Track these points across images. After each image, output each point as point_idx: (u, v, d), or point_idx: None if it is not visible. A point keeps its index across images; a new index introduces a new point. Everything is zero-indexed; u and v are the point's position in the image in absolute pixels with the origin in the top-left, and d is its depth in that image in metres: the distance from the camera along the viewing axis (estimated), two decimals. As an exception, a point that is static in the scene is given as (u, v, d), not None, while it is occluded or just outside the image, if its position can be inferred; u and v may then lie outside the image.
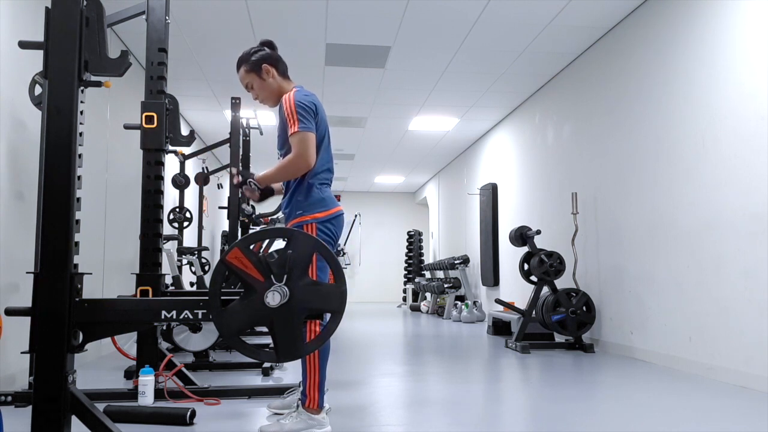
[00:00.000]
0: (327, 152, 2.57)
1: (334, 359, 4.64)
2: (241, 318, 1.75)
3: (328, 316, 1.93)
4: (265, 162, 10.61)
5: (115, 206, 5.11)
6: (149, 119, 3.03)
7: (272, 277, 1.73)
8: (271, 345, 4.20)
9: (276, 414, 2.77)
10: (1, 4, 3.35)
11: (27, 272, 2.25)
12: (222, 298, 1.75)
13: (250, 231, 5.82)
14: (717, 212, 3.70)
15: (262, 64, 2.56)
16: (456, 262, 9.26)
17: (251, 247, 1.76)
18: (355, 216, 6.01)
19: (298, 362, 4.26)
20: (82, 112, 1.84)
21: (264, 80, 2.57)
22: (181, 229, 6.66)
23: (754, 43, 3.45)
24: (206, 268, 6.80)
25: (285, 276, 1.74)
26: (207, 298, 1.79)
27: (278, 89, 2.59)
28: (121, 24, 3.17)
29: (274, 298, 1.72)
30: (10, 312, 1.79)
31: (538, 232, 5.38)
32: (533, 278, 5.28)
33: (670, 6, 4.25)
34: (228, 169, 5.33)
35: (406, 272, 12.93)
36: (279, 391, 3.09)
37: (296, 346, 1.79)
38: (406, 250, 12.98)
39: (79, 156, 1.81)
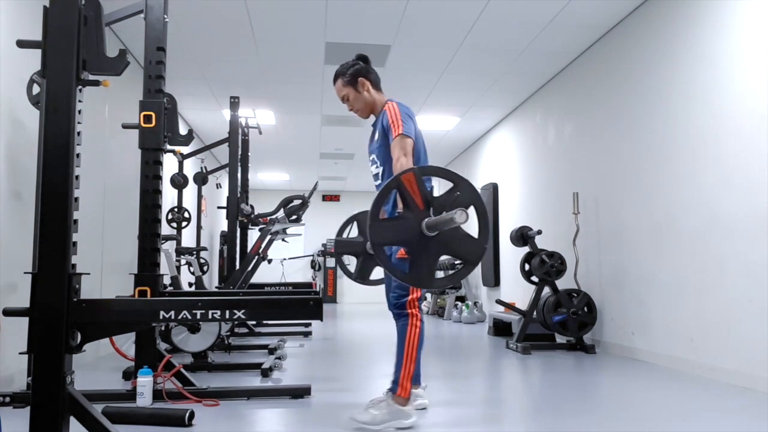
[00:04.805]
0: (425, 159, 2.79)
1: (334, 359, 4.63)
2: (392, 232, 1.93)
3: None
4: (264, 161, 10.62)
5: (114, 206, 5.09)
6: (147, 118, 3.01)
7: (431, 210, 1.89)
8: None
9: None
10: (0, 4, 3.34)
11: (25, 272, 2.23)
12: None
13: (256, 230, 5.75)
14: (718, 212, 3.68)
15: (358, 78, 2.77)
16: (456, 262, 9.25)
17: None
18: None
19: (297, 365, 4.26)
20: (80, 112, 1.83)
21: (360, 93, 2.79)
22: (179, 229, 6.64)
23: (754, 43, 3.44)
24: (204, 268, 6.77)
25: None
26: (205, 297, 1.78)
27: (372, 102, 2.80)
28: (120, 23, 3.15)
29: (428, 225, 1.85)
30: (8, 312, 1.78)
31: (539, 232, 5.36)
32: (534, 279, 5.27)
33: (671, 6, 4.24)
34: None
35: (405, 272, 12.90)
36: (278, 393, 3.08)
37: (426, 276, 1.92)
38: (406, 250, 12.96)
39: (77, 155, 1.80)
